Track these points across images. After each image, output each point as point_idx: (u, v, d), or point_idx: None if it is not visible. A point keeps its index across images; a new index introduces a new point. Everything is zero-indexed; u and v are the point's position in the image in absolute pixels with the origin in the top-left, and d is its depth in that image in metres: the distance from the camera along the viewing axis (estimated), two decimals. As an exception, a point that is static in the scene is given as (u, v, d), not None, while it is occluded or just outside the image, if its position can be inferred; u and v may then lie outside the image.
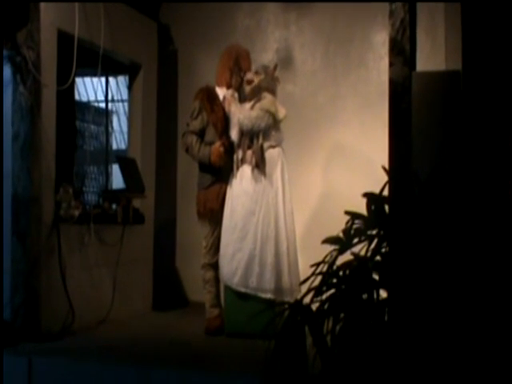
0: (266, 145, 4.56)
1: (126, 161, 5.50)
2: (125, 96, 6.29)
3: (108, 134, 6.16)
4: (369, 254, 2.94)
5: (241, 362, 3.84)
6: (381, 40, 5.43)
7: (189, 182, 5.45)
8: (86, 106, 6.81)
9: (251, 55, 4.86)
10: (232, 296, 4.53)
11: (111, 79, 6.27)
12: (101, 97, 6.24)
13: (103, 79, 5.85)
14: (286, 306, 3.09)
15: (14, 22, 4.23)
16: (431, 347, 2.78)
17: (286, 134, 4.72)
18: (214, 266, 4.68)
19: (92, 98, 6.76)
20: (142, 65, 5.74)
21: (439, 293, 2.83)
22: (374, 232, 3.00)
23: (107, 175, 6.10)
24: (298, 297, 3.22)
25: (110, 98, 6.20)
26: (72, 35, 4.63)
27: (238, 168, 4.59)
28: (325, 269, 3.00)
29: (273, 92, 4.67)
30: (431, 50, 4.90)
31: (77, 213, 4.62)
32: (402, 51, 3.09)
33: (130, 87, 5.86)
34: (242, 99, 4.71)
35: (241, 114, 4.56)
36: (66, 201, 4.58)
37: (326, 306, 2.91)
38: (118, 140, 6.99)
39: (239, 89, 4.72)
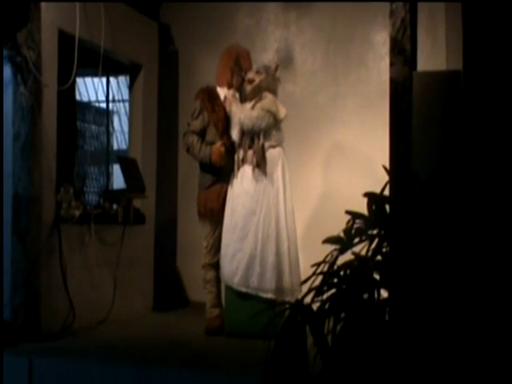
0: (266, 144, 4.56)
1: (126, 161, 5.50)
2: (125, 96, 6.30)
3: (109, 134, 6.16)
4: (369, 253, 2.94)
5: (241, 362, 3.84)
6: (381, 40, 5.43)
7: (189, 181, 5.45)
8: (87, 106, 6.81)
9: (251, 55, 4.86)
10: (233, 296, 4.53)
11: (112, 79, 6.27)
12: (101, 97, 6.24)
13: (104, 79, 5.85)
14: (287, 305, 3.08)
15: (15, 22, 4.23)
16: (432, 347, 2.78)
17: (286, 133, 4.72)
18: (215, 266, 4.68)
19: (93, 98, 6.77)
20: (142, 65, 5.75)
21: (440, 292, 2.82)
22: (375, 232, 2.99)
23: (108, 175, 6.10)
24: (299, 296, 3.22)
25: (110, 98, 6.20)
26: (73, 35, 4.63)
27: (238, 168, 4.59)
28: (325, 268, 3.00)
29: (274, 92, 4.67)
30: (432, 49, 4.90)
31: (77, 213, 4.62)
32: (403, 51, 3.09)
33: (130, 87, 5.87)
34: (243, 99, 4.71)
35: (241, 114, 4.56)
36: (67, 201, 4.58)
37: (326, 306, 2.91)
38: (119, 140, 7.00)
39: (240, 89, 4.72)
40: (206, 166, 4.70)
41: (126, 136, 6.31)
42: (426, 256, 2.85)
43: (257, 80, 4.64)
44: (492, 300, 2.80)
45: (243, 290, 4.47)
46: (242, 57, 4.76)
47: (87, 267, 4.87)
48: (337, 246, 3.04)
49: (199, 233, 4.87)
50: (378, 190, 3.05)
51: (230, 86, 4.73)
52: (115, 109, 6.76)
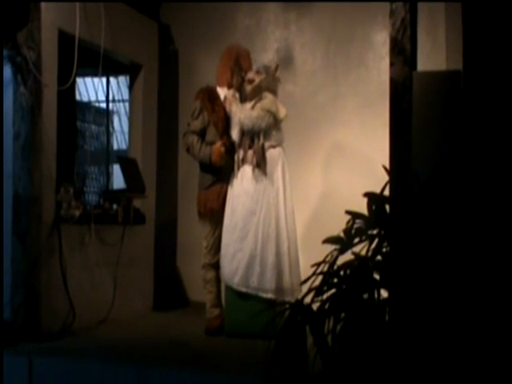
0: (266, 144, 4.56)
1: (126, 161, 5.50)
2: (125, 96, 6.30)
3: (109, 134, 6.16)
4: (369, 253, 2.94)
5: (241, 362, 3.84)
6: (381, 40, 5.43)
7: (189, 181, 5.45)
8: (87, 106, 6.82)
9: (251, 55, 4.86)
10: (233, 296, 4.53)
11: (112, 79, 6.27)
12: (102, 97, 6.24)
13: (104, 79, 5.85)
14: (287, 305, 3.08)
15: (15, 22, 4.23)
16: (432, 347, 2.78)
17: (286, 133, 4.72)
18: (215, 266, 4.68)
19: (93, 98, 6.77)
20: (142, 65, 5.75)
21: (440, 292, 2.82)
22: (375, 232, 2.99)
23: (108, 175, 6.10)
24: (299, 296, 3.22)
25: (110, 98, 6.20)
26: (73, 35, 4.63)
27: (238, 168, 4.59)
28: (325, 268, 3.00)
29: (274, 92, 4.67)
30: (432, 49, 4.90)
31: (77, 213, 4.62)
32: (403, 51, 3.09)
33: (130, 87, 5.87)
34: (243, 99, 4.71)
35: (241, 114, 4.56)
36: (67, 201, 4.58)
37: (326, 306, 2.91)
38: (119, 140, 7.00)
39: (240, 89, 4.72)
40: (206, 166, 4.70)
41: (126, 136, 6.31)
42: (425, 256, 2.85)
43: (257, 80, 4.64)
44: (492, 300, 2.80)
45: (243, 290, 4.47)
46: (242, 57, 4.76)
47: (87, 267, 4.88)
48: (337, 246, 3.04)
49: (199, 233, 4.87)
50: (378, 190, 3.05)
51: (230, 86, 4.73)
52: (115, 109, 6.76)
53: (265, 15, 5.86)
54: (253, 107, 4.59)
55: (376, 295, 2.90)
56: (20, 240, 4.28)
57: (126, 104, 6.27)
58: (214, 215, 4.67)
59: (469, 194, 2.98)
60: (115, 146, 6.77)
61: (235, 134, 4.64)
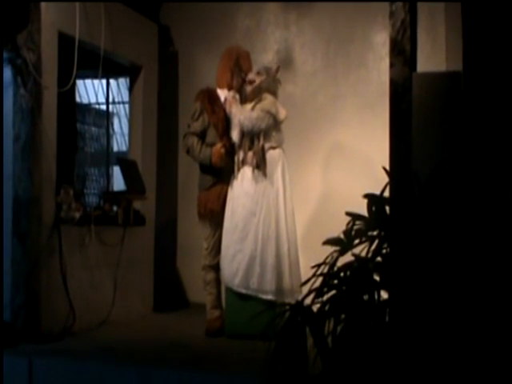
0: (266, 146, 4.56)
1: (126, 162, 5.50)
2: (125, 98, 6.29)
3: (109, 136, 6.16)
4: (370, 254, 2.94)
5: (241, 363, 3.84)
6: (381, 40, 5.43)
7: (190, 183, 5.45)
8: (87, 107, 6.81)
9: (251, 56, 4.86)
10: (233, 297, 4.53)
11: (112, 81, 6.27)
12: (101, 99, 6.24)
13: (104, 81, 5.85)
14: (287, 307, 3.08)
15: (15, 24, 4.23)
16: (432, 348, 2.78)
17: (286, 134, 4.72)
18: (215, 268, 4.68)
19: (93, 100, 6.76)
20: (142, 66, 5.75)
21: (440, 294, 2.82)
22: (375, 233, 2.99)
23: (108, 177, 6.10)
24: (299, 298, 3.21)
25: (110, 99, 6.20)
26: (73, 37, 4.63)
27: (238, 169, 4.59)
28: (326, 270, 3.00)
29: (274, 93, 4.67)
30: (432, 50, 4.90)
31: (77, 215, 4.62)
32: (403, 52, 3.09)
33: (130, 89, 5.87)
34: (243, 100, 4.71)
35: (241, 115, 4.56)
36: (67, 202, 4.58)
37: (326, 307, 2.90)
38: (119, 142, 6.99)
39: (240, 90, 4.72)
40: (206, 168, 4.70)
41: (126, 138, 6.31)
42: (426, 257, 2.84)
43: (257, 81, 4.64)
44: (492, 301, 2.80)
45: (243, 291, 4.47)
46: (242, 58, 4.76)
47: (87, 268, 4.87)
48: (337, 248, 3.04)
49: (199, 234, 4.87)
50: (378, 191, 3.05)
51: (230, 88, 4.73)
52: (115, 110, 6.75)
53: (265, 16, 5.86)
54: (253, 108, 4.59)
55: (376, 296, 2.90)
56: (20, 241, 4.28)
57: (126, 106, 6.27)
58: (214, 216, 4.67)
59: (469, 194, 2.97)
60: (115, 148, 6.76)
61: (235, 136, 4.63)
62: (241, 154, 4.59)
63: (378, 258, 2.94)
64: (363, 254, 2.97)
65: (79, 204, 4.70)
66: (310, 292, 2.99)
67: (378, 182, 3.10)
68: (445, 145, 3.13)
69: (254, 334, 3.53)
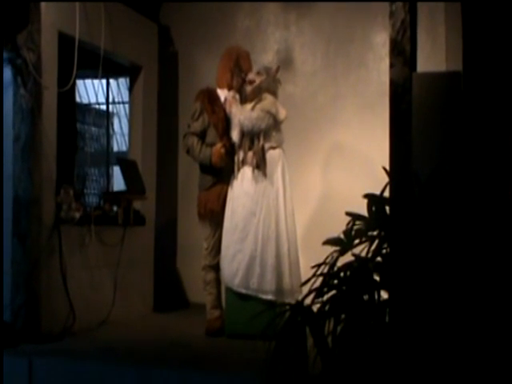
0: (266, 146, 4.56)
1: (126, 162, 5.50)
2: (125, 98, 6.29)
3: (109, 136, 6.16)
4: (370, 255, 2.94)
5: (241, 363, 3.84)
6: (381, 40, 5.43)
7: (190, 183, 5.45)
8: (87, 107, 6.81)
9: (251, 56, 4.86)
10: (233, 297, 4.53)
11: (112, 81, 6.27)
12: (101, 99, 6.24)
13: (104, 81, 5.85)
14: (287, 307, 3.08)
15: (15, 24, 4.23)
16: (432, 348, 2.78)
17: (286, 134, 4.72)
18: (215, 268, 4.68)
19: (93, 100, 6.76)
20: (142, 66, 5.75)
21: (440, 294, 2.82)
22: (375, 233, 2.99)
23: (108, 177, 6.10)
24: (299, 298, 3.22)
25: (110, 99, 6.20)
26: (73, 37, 4.63)
27: (238, 169, 4.59)
28: (326, 270, 3.00)
29: (274, 93, 4.67)
30: (432, 50, 4.90)
31: (77, 215, 4.62)
32: (403, 52, 3.09)
33: (130, 89, 5.87)
34: (243, 100, 4.71)
35: (241, 115, 4.56)
36: (67, 202, 4.58)
37: (326, 307, 2.91)
38: (119, 142, 7.00)
39: (240, 90, 4.72)
40: (206, 168, 4.70)
41: (126, 138, 6.31)
42: (426, 257, 2.85)
43: (257, 81, 4.64)
44: (492, 301, 2.80)
45: (243, 291, 4.47)
46: (242, 58, 4.76)
47: (87, 268, 4.87)
48: (337, 248, 3.04)
49: (199, 234, 4.87)
50: (378, 191, 3.05)
51: (230, 88, 4.73)
52: (115, 111, 6.75)
53: (265, 16, 5.86)
54: (253, 108, 4.59)
55: (376, 296, 2.90)
56: (20, 241, 4.28)
57: (126, 106, 6.27)
58: (214, 216, 4.67)
59: (469, 194, 2.98)
60: (115, 148, 6.77)
61: (235, 136, 4.63)
62: (241, 154, 4.59)
63: (378, 258, 2.95)
64: (363, 253, 2.97)
65: (79, 204, 4.70)
66: (310, 292, 2.99)
67: (377, 182, 3.10)
68: (445, 145, 3.13)
69: (254, 334, 3.53)
